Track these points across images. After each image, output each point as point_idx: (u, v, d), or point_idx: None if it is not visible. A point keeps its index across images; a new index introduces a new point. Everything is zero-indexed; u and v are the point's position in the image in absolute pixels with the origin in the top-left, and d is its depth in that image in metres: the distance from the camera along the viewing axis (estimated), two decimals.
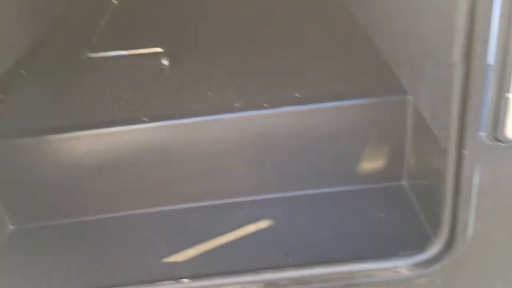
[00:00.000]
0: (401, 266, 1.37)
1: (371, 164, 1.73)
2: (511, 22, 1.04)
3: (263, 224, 1.66)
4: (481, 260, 1.36)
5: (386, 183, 1.73)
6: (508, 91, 1.11)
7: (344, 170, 1.72)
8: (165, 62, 2.05)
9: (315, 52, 2.01)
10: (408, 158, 1.67)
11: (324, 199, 1.71)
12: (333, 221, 1.61)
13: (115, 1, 2.87)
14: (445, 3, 1.21)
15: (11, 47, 2.10)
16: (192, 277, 1.41)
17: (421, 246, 1.38)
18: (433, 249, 1.32)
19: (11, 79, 2.02)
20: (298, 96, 1.69)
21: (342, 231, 1.56)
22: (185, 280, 1.41)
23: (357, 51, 1.97)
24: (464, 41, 1.12)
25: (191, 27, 2.53)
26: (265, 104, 1.65)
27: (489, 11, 1.05)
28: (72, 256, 1.62)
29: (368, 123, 1.67)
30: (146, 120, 1.65)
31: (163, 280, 1.42)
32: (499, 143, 1.17)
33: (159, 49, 2.15)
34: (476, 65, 1.11)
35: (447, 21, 1.21)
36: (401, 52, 1.62)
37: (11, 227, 1.75)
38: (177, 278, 1.42)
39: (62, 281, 1.52)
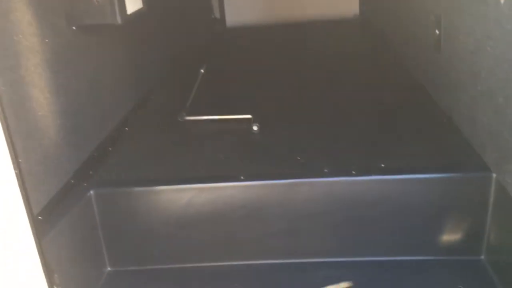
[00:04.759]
0: None
1: (450, 236, 1.79)
2: None
3: (343, 285, 1.74)
4: None
5: (465, 256, 1.79)
6: None
7: (423, 240, 1.80)
8: (255, 127, 2.24)
9: (397, 126, 2.15)
10: (489, 233, 1.73)
11: (402, 266, 1.78)
12: None
13: (202, 71, 3.16)
14: None
15: (119, 107, 2.36)
16: None
17: None
18: None
19: (118, 134, 2.26)
20: (383, 166, 1.82)
21: None
22: None
23: (438, 128, 2.09)
24: None
25: (275, 94, 2.75)
26: (353, 172, 1.78)
27: None
28: None
29: (450, 197, 1.76)
30: (243, 178, 1.81)
31: None
32: None
33: (248, 116, 2.36)
34: None
35: None
36: (486, 132, 1.73)
37: (109, 268, 1.91)
38: None
39: None
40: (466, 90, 1.90)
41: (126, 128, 2.36)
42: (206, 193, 1.82)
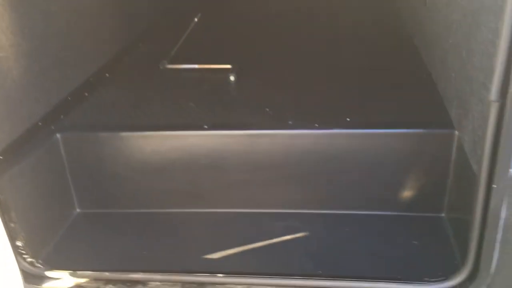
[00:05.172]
0: None
1: (412, 192, 1.78)
2: None
3: (299, 235, 1.76)
4: None
5: (426, 213, 1.77)
6: None
7: (385, 196, 1.79)
8: (232, 78, 2.22)
9: (375, 81, 2.10)
10: (450, 191, 1.71)
11: (362, 220, 1.78)
12: (367, 242, 1.68)
13: (196, 19, 3.12)
14: (492, 45, 1.27)
15: (101, 53, 2.36)
16: (226, 273, 1.53)
17: (448, 275, 1.42)
18: (457, 279, 1.36)
19: (96, 80, 2.27)
20: (348, 120, 1.79)
21: (374, 252, 1.63)
22: (219, 275, 1.53)
23: (415, 84, 2.04)
24: (502, 82, 1.18)
25: (262, 47, 2.70)
26: (316, 125, 1.76)
27: None
28: (125, 241, 1.79)
29: (413, 153, 1.73)
30: (206, 127, 1.81)
31: (200, 272, 1.56)
32: None
33: (228, 66, 2.33)
34: (510, 104, 1.17)
35: (491, 61, 1.27)
36: (452, 88, 1.68)
37: (78, 210, 1.96)
38: (212, 273, 1.55)
39: (113, 261, 1.69)
40: (441, 44, 1.83)
41: (107, 74, 2.37)
42: (170, 141, 1.83)
